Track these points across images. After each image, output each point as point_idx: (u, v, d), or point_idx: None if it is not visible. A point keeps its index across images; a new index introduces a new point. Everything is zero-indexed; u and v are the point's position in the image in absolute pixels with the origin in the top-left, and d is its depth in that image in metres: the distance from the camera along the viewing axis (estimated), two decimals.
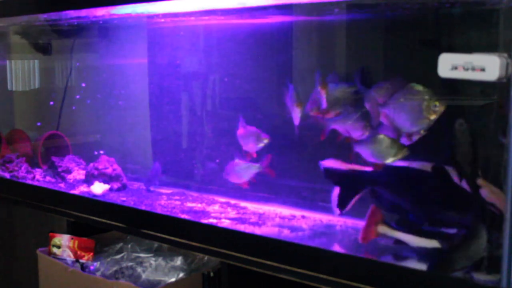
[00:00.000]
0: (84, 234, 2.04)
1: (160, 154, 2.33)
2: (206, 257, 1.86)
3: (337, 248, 1.49)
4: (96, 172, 2.15)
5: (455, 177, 1.35)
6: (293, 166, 1.88)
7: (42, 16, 2.19)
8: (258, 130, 1.73)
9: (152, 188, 2.12)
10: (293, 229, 1.63)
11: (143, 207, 1.88)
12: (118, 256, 1.98)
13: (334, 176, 1.56)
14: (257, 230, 1.64)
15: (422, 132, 1.36)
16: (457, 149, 1.33)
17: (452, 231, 1.33)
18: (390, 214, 1.46)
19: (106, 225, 1.93)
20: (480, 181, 1.30)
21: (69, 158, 2.43)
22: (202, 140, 2.24)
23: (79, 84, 2.74)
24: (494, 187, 1.25)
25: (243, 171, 1.75)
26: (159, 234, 1.76)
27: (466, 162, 1.32)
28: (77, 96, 2.69)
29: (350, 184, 1.52)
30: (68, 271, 1.90)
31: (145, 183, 2.16)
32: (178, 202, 1.96)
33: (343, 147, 1.55)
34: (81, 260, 1.98)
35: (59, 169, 2.33)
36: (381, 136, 1.42)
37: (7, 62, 2.90)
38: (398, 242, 1.41)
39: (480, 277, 1.21)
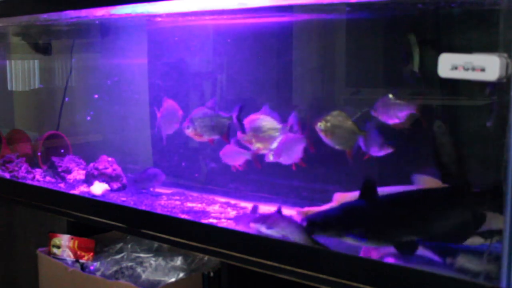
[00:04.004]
0: (84, 234, 2.04)
1: (161, 154, 2.34)
2: (206, 257, 1.86)
3: None
4: (96, 172, 2.15)
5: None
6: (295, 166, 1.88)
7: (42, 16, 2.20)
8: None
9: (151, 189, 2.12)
10: None
11: (143, 207, 1.88)
12: (118, 256, 1.97)
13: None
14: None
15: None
16: (438, 150, 1.33)
17: None
18: None
19: (106, 225, 1.93)
20: None
21: (69, 158, 2.43)
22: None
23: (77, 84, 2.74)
24: None
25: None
26: (159, 234, 1.76)
27: (449, 163, 1.32)
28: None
29: None
30: (68, 271, 1.90)
31: (131, 180, 2.15)
32: (178, 202, 1.96)
33: None
34: (81, 260, 1.98)
35: (59, 169, 2.33)
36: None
37: (7, 62, 2.91)
38: None
39: None
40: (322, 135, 1.59)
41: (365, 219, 1.42)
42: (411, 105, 1.55)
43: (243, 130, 1.76)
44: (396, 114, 1.56)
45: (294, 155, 1.71)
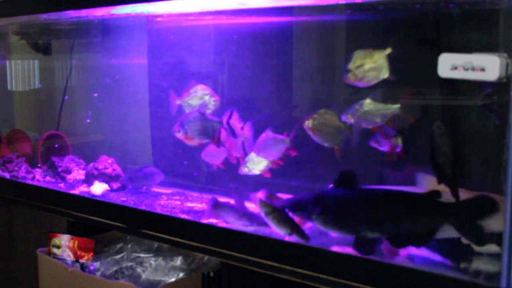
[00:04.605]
0: (84, 234, 2.04)
1: (160, 153, 2.34)
2: (206, 257, 1.86)
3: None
4: (96, 172, 2.15)
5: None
6: (293, 166, 1.89)
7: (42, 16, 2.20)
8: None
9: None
10: None
11: (143, 207, 1.88)
12: (118, 256, 1.97)
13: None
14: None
15: None
16: (436, 151, 1.34)
17: None
18: None
19: (106, 225, 1.93)
20: None
21: (69, 158, 2.42)
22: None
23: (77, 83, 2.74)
24: None
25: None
26: (159, 234, 1.75)
27: (446, 164, 1.33)
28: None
29: None
30: (68, 271, 1.90)
31: (126, 179, 2.15)
32: (178, 202, 1.96)
33: None
34: (81, 260, 1.98)
35: (59, 169, 2.33)
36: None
37: (7, 62, 2.90)
38: None
39: None
40: (309, 133, 1.62)
41: (329, 207, 1.48)
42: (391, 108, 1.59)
43: (234, 135, 1.79)
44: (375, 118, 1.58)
45: (272, 153, 1.75)
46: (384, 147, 1.62)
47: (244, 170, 1.81)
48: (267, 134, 1.75)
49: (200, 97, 1.84)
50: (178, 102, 1.87)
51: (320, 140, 1.62)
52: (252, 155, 1.80)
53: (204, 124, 1.82)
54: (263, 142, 1.75)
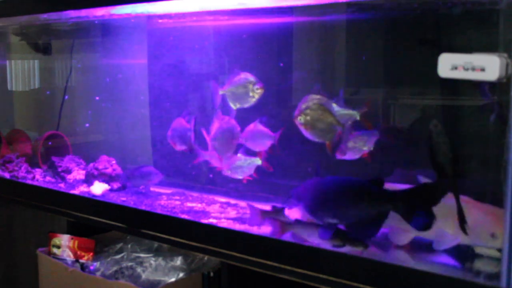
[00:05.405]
0: (84, 234, 2.04)
1: (160, 153, 2.34)
2: (206, 257, 1.87)
3: None
4: (96, 172, 2.15)
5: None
6: (292, 166, 1.89)
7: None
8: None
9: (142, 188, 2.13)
10: None
11: (143, 207, 1.88)
12: (118, 256, 1.98)
13: None
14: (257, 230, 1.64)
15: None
16: (434, 150, 1.34)
17: None
18: None
19: (106, 225, 1.93)
20: None
21: (69, 158, 2.42)
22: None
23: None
24: None
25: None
26: (159, 234, 1.76)
27: (444, 163, 1.33)
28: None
29: None
30: (68, 271, 1.90)
31: (123, 177, 2.15)
32: (178, 202, 1.96)
33: None
34: (81, 260, 1.98)
35: (59, 169, 2.33)
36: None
37: (7, 62, 2.91)
38: None
39: None
40: (302, 128, 1.61)
41: (308, 196, 1.52)
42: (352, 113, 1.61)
43: (192, 146, 1.87)
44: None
45: (257, 145, 1.78)
46: (348, 156, 1.63)
47: (227, 172, 1.84)
48: (256, 126, 1.76)
49: (244, 85, 1.79)
50: (221, 92, 1.82)
51: (312, 136, 1.61)
52: (236, 159, 1.82)
53: (181, 131, 1.89)
54: (250, 132, 1.77)
